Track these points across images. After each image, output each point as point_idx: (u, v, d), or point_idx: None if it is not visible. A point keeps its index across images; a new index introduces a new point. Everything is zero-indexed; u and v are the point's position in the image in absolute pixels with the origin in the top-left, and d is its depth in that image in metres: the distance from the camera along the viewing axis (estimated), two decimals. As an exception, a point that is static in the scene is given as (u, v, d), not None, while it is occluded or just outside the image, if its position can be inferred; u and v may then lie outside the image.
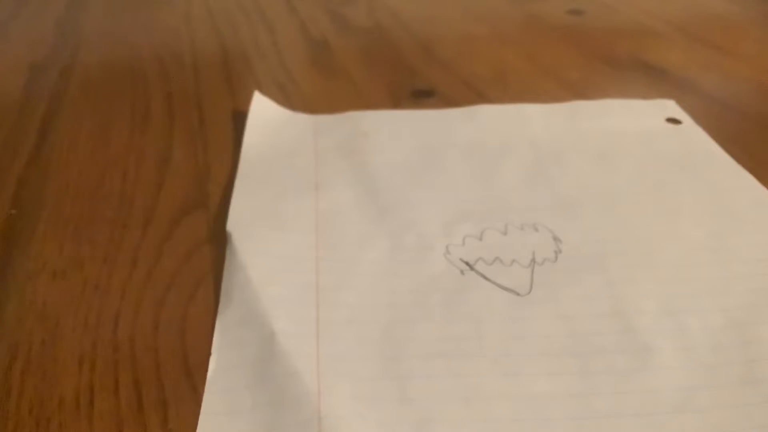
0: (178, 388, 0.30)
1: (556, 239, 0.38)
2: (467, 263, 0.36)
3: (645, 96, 0.52)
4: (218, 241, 0.38)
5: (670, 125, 0.49)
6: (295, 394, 0.29)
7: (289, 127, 0.49)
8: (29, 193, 0.43)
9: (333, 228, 0.39)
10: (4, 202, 0.42)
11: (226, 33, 0.68)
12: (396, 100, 0.54)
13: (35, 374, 0.31)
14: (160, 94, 0.56)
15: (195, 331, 0.33)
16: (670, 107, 0.51)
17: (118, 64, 0.62)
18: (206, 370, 0.31)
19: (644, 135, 0.47)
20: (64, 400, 0.30)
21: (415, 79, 0.57)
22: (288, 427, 0.28)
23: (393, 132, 0.49)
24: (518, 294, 0.34)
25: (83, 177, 0.45)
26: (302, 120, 0.50)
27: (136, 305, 0.35)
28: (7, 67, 0.62)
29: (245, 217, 0.40)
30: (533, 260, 0.36)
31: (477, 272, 0.36)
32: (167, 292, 0.35)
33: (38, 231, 0.40)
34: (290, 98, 0.54)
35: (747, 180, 0.43)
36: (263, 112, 0.50)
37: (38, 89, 0.57)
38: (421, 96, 0.54)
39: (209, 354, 0.31)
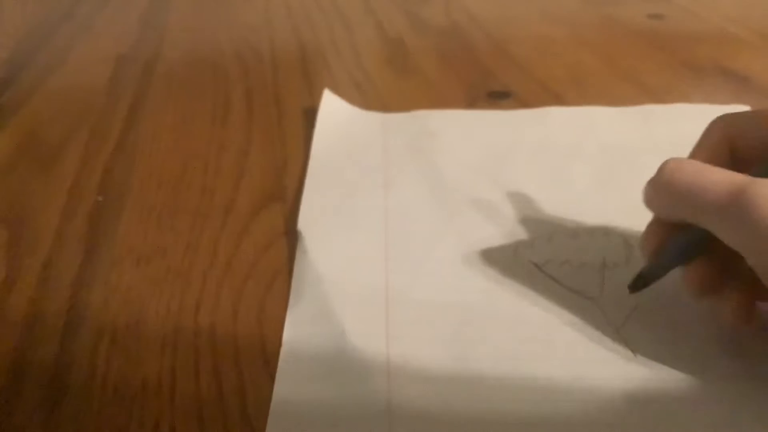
0: (257, 375, 0.31)
1: (627, 244, 0.37)
2: (536, 265, 0.36)
3: (725, 103, 0.51)
4: (295, 233, 0.39)
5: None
6: (364, 389, 0.30)
7: (358, 126, 0.50)
8: (115, 180, 0.45)
9: (402, 227, 0.39)
10: (91, 189, 0.44)
11: (304, 31, 0.69)
12: (471, 101, 0.54)
13: (119, 356, 0.32)
14: (239, 89, 0.57)
15: (272, 320, 0.34)
16: None
17: (200, 59, 0.63)
18: (282, 361, 0.31)
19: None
20: (147, 383, 0.31)
21: (491, 80, 0.57)
22: (357, 420, 0.28)
23: (462, 132, 0.48)
24: (588, 297, 0.34)
25: (166, 167, 0.46)
26: (371, 118, 0.51)
27: (216, 293, 0.35)
28: (94, 59, 0.64)
29: (315, 215, 0.40)
30: (604, 264, 0.36)
31: (546, 274, 0.36)
32: (246, 281, 0.36)
33: (123, 218, 0.41)
34: (366, 97, 0.54)
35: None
36: (333, 111, 0.51)
37: (123, 81, 0.59)
38: (497, 97, 0.54)
39: (285, 345, 0.32)
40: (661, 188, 0.30)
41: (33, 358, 0.32)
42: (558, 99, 0.53)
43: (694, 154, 0.32)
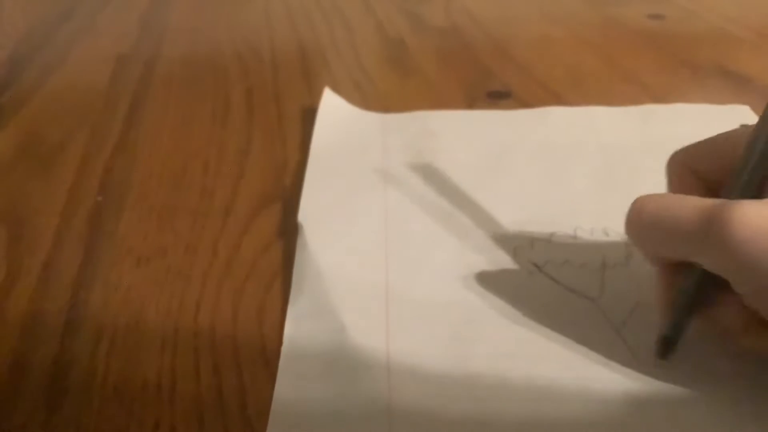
0: (257, 375, 0.31)
1: (627, 244, 0.37)
2: (536, 265, 0.36)
3: (725, 103, 0.51)
4: (295, 234, 0.39)
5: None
6: (365, 388, 0.30)
7: (358, 125, 0.50)
8: (115, 180, 0.45)
9: (402, 227, 0.39)
10: (91, 189, 0.44)
11: (304, 31, 0.69)
12: (471, 101, 0.54)
13: (119, 356, 0.32)
14: (239, 88, 0.57)
15: (272, 321, 0.34)
16: (745, 113, 0.50)
17: (200, 59, 0.63)
18: (282, 360, 0.31)
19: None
20: (147, 383, 0.31)
21: (491, 80, 0.57)
22: (358, 419, 0.28)
23: (461, 132, 0.48)
24: (588, 297, 0.34)
25: (166, 167, 0.46)
26: (370, 118, 0.51)
27: (216, 293, 0.35)
28: (95, 58, 0.64)
29: (316, 210, 0.40)
30: (604, 264, 0.36)
31: (546, 274, 0.36)
32: (246, 282, 0.36)
33: (123, 218, 0.41)
34: (366, 97, 0.54)
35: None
36: (333, 109, 0.51)
37: (124, 80, 0.59)
38: (497, 97, 0.54)
39: (285, 344, 0.32)
40: (632, 226, 0.29)
41: (33, 358, 0.32)
42: (558, 99, 0.53)
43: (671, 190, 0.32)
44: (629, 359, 0.30)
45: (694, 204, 0.26)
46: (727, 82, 0.56)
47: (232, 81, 0.59)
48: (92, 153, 0.48)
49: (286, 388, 0.30)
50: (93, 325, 0.34)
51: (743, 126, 0.30)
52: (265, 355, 0.32)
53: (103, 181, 0.45)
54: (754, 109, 0.49)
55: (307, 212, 0.40)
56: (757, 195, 0.27)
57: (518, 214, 0.40)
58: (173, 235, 0.40)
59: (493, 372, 0.30)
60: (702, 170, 0.31)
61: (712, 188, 0.30)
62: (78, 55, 0.65)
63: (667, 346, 0.30)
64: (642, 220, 0.28)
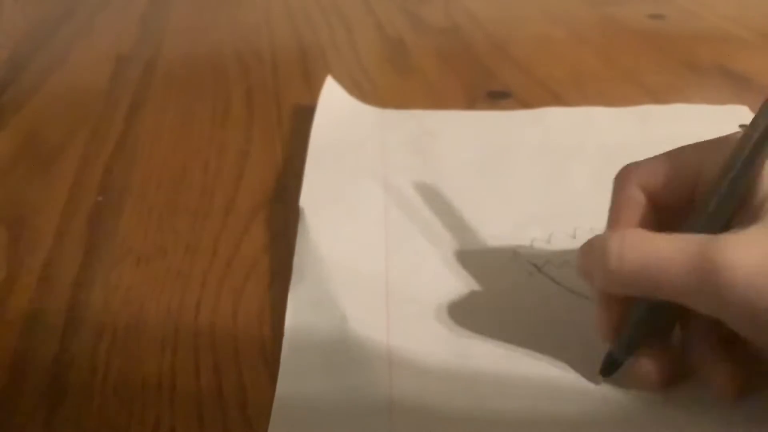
0: (257, 375, 0.31)
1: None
2: (535, 265, 0.36)
3: (725, 103, 0.51)
4: (295, 234, 0.39)
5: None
6: (366, 384, 0.29)
7: (357, 118, 0.50)
8: (115, 180, 0.45)
9: (401, 225, 0.39)
10: (91, 189, 0.44)
11: (304, 31, 0.69)
12: (471, 101, 0.54)
13: (120, 356, 0.32)
14: (240, 88, 0.57)
15: (272, 321, 0.34)
16: (744, 113, 0.50)
17: (200, 59, 0.63)
18: (283, 358, 0.31)
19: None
20: (147, 382, 0.31)
21: (491, 80, 0.57)
22: (359, 413, 0.28)
23: (460, 132, 0.49)
24: (588, 297, 0.34)
25: (167, 167, 0.46)
26: (369, 112, 0.51)
27: (216, 293, 0.35)
28: (95, 58, 0.64)
29: (317, 195, 0.40)
30: None
31: (545, 275, 0.36)
32: (246, 281, 0.36)
33: (123, 218, 0.41)
34: (366, 96, 0.54)
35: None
36: (333, 99, 0.51)
37: (124, 80, 0.59)
38: (497, 97, 0.54)
39: (285, 341, 0.32)
40: (610, 274, 0.27)
41: (33, 358, 0.32)
42: (558, 99, 0.53)
43: (614, 214, 0.31)
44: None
45: (682, 246, 0.25)
46: (727, 82, 0.56)
47: (232, 81, 0.59)
48: (92, 153, 0.48)
49: (288, 380, 0.30)
50: (93, 324, 0.34)
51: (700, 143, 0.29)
52: (265, 354, 0.32)
53: (103, 181, 0.45)
54: (753, 109, 0.49)
55: (308, 198, 0.40)
56: (727, 224, 0.26)
57: (518, 214, 0.40)
58: (173, 235, 0.40)
59: (493, 370, 0.30)
60: (651, 187, 0.29)
61: (658, 205, 0.29)
62: (78, 55, 0.65)
63: (612, 366, 0.29)
64: (623, 270, 0.26)
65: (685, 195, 0.29)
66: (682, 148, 0.29)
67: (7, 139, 0.51)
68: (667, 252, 0.25)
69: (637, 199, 0.30)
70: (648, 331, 0.29)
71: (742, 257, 0.24)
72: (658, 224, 0.28)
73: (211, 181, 0.44)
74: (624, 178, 0.30)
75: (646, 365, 0.28)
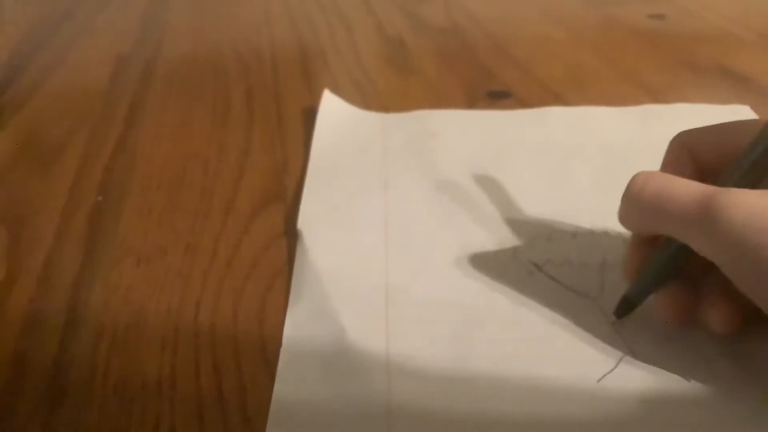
0: (257, 375, 0.31)
1: (627, 243, 0.37)
2: (535, 264, 0.36)
3: (725, 103, 0.51)
4: (295, 234, 0.39)
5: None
6: (364, 390, 0.29)
7: (358, 126, 0.50)
8: (115, 180, 0.45)
9: (402, 227, 0.39)
10: (91, 189, 0.44)
11: (304, 31, 0.69)
12: (471, 101, 0.54)
13: (120, 356, 0.32)
14: (240, 89, 0.57)
15: (272, 321, 0.34)
16: (745, 113, 0.50)
17: (200, 59, 0.63)
18: (282, 360, 0.31)
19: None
20: (147, 382, 0.31)
21: (491, 80, 0.57)
22: (357, 421, 0.28)
23: (461, 132, 0.48)
24: (588, 297, 0.34)
25: (166, 167, 0.46)
26: (370, 118, 0.51)
27: (216, 293, 0.35)
28: (95, 58, 0.64)
29: (315, 214, 0.40)
30: (604, 264, 0.36)
31: (546, 274, 0.36)
32: (246, 281, 0.36)
33: (123, 218, 0.41)
34: (366, 97, 0.54)
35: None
36: (333, 111, 0.51)
37: (124, 80, 0.59)
38: (497, 97, 0.54)
39: (285, 344, 0.32)
40: (631, 201, 0.30)
41: (33, 358, 0.32)
42: (558, 99, 0.53)
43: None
44: (629, 358, 0.30)
45: (693, 187, 0.28)
46: (728, 82, 0.56)
47: (232, 81, 0.59)
48: (92, 153, 0.48)
49: (285, 388, 0.30)
50: (93, 324, 0.34)
51: (751, 120, 0.31)
52: (265, 355, 0.32)
53: (103, 181, 0.45)
54: (754, 109, 0.49)
55: (306, 217, 0.40)
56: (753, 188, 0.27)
57: (519, 214, 0.40)
58: (173, 235, 0.40)
59: (493, 372, 0.30)
60: (700, 154, 0.32)
61: (706, 174, 0.31)
62: (78, 55, 0.65)
63: (627, 308, 0.32)
64: (642, 197, 0.29)
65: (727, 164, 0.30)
66: (732, 123, 0.32)
67: (7, 139, 0.51)
68: (681, 188, 0.28)
69: (683, 161, 0.32)
70: (662, 276, 0.31)
71: (743, 199, 0.25)
72: None
73: (211, 181, 0.44)
74: (676, 141, 0.33)
75: (662, 301, 0.31)
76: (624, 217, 0.31)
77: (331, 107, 0.51)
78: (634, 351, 0.31)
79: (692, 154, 0.32)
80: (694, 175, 0.31)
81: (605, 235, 0.38)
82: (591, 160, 0.45)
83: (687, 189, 0.28)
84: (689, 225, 0.27)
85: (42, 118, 0.54)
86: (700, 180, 0.29)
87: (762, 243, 0.25)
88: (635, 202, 0.30)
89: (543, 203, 0.41)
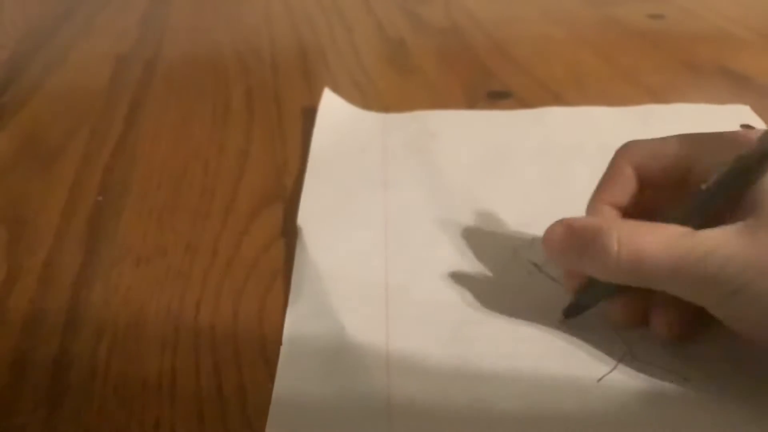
0: (257, 375, 0.31)
1: None
2: (535, 264, 0.36)
3: (725, 103, 0.51)
4: (295, 233, 0.39)
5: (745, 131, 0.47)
6: (364, 389, 0.29)
7: (358, 125, 0.50)
8: (115, 180, 0.45)
9: (402, 227, 0.39)
10: (91, 189, 0.44)
11: (304, 31, 0.69)
12: (472, 101, 0.54)
13: (120, 356, 0.32)
14: (239, 88, 0.57)
15: (272, 320, 0.34)
16: (745, 113, 0.49)
17: (200, 59, 0.63)
18: (282, 360, 0.31)
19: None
20: (147, 382, 0.31)
21: (491, 80, 0.57)
22: (357, 418, 0.28)
23: (461, 132, 0.48)
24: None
25: (167, 167, 0.46)
26: (370, 118, 0.51)
27: (216, 293, 0.35)
28: (95, 58, 0.64)
29: (315, 213, 0.40)
30: None
31: (546, 274, 0.36)
32: (246, 281, 0.36)
33: (123, 218, 0.41)
34: (366, 97, 0.54)
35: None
36: (333, 110, 0.51)
37: (124, 80, 0.59)
38: (497, 97, 0.54)
39: (285, 344, 0.32)
40: (608, 269, 0.29)
41: (33, 358, 0.32)
42: (558, 99, 0.53)
43: (603, 184, 0.33)
44: (629, 358, 0.30)
45: (667, 246, 0.27)
46: (727, 82, 0.56)
47: (232, 81, 0.59)
48: (92, 153, 0.48)
49: (285, 387, 0.30)
50: (93, 324, 0.34)
51: (681, 135, 0.32)
52: (265, 354, 0.32)
53: (103, 181, 0.45)
54: (754, 109, 0.49)
55: (306, 215, 0.40)
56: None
57: (518, 214, 0.40)
58: (173, 235, 0.40)
59: (492, 371, 0.30)
60: (645, 171, 0.32)
61: (646, 183, 0.32)
62: (78, 55, 0.65)
63: (577, 311, 0.32)
64: (620, 267, 0.28)
65: (674, 178, 0.31)
66: (680, 137, 0.32)
67: (7, 139, 0.51)
68: (656, 251, 0.27)
69: (626, 174, 0.32)
70: (609, 289, 0.31)
71: (716, 243, 0.26)
72: (643, 200, 0.32)
73: (211, 181, 0.44)
74: (620, 152, 0.33)
75: (612, 306, 0.31)
76: (597, 275, 0.30)
77: (331, 106, 0.51)
78: (633, 351, 0.31)
79: (635, 165, 0.32)
80: (635, 185, 0.32)
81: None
82: (591, 160, 0.44)
83: (662, 250, 0.27)
84: (668, 280, 0.27)
85: (42, 118, 0.54)
86: (641, 194, 0.31)
87: (744, 280, 0.25)
88: (613, 271, 0.29)
89: (543, 203, 0.41)
